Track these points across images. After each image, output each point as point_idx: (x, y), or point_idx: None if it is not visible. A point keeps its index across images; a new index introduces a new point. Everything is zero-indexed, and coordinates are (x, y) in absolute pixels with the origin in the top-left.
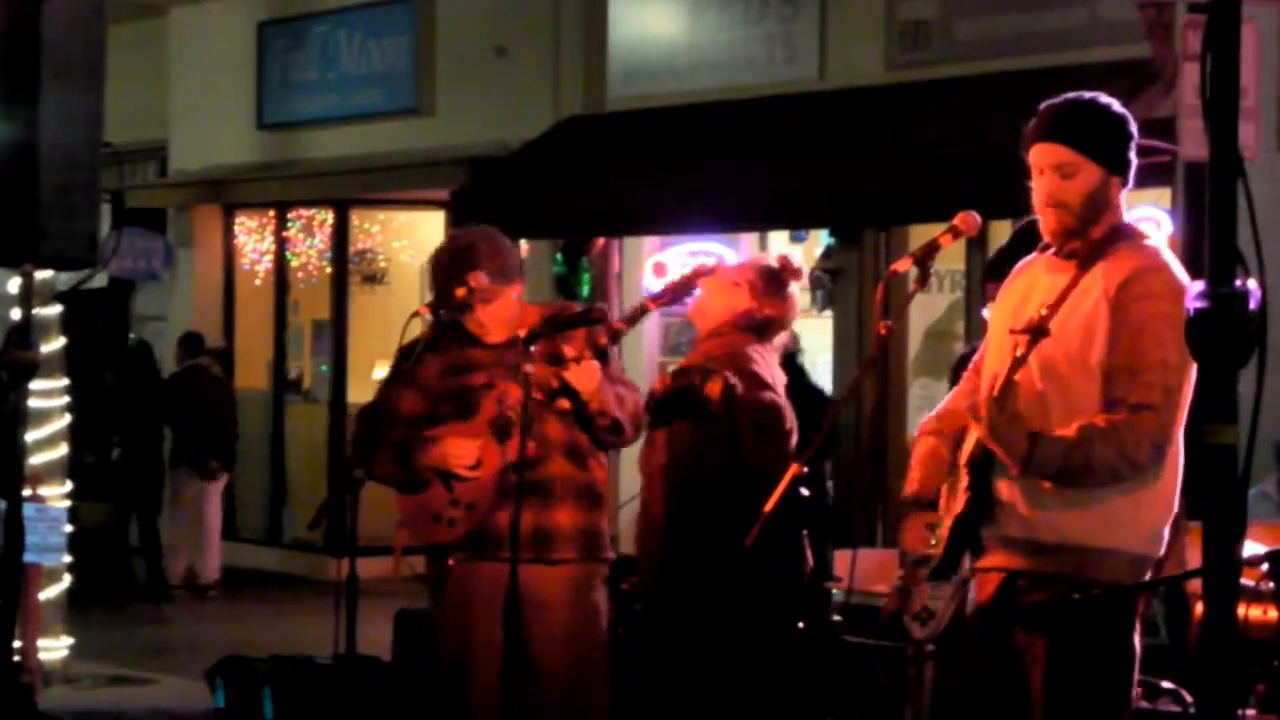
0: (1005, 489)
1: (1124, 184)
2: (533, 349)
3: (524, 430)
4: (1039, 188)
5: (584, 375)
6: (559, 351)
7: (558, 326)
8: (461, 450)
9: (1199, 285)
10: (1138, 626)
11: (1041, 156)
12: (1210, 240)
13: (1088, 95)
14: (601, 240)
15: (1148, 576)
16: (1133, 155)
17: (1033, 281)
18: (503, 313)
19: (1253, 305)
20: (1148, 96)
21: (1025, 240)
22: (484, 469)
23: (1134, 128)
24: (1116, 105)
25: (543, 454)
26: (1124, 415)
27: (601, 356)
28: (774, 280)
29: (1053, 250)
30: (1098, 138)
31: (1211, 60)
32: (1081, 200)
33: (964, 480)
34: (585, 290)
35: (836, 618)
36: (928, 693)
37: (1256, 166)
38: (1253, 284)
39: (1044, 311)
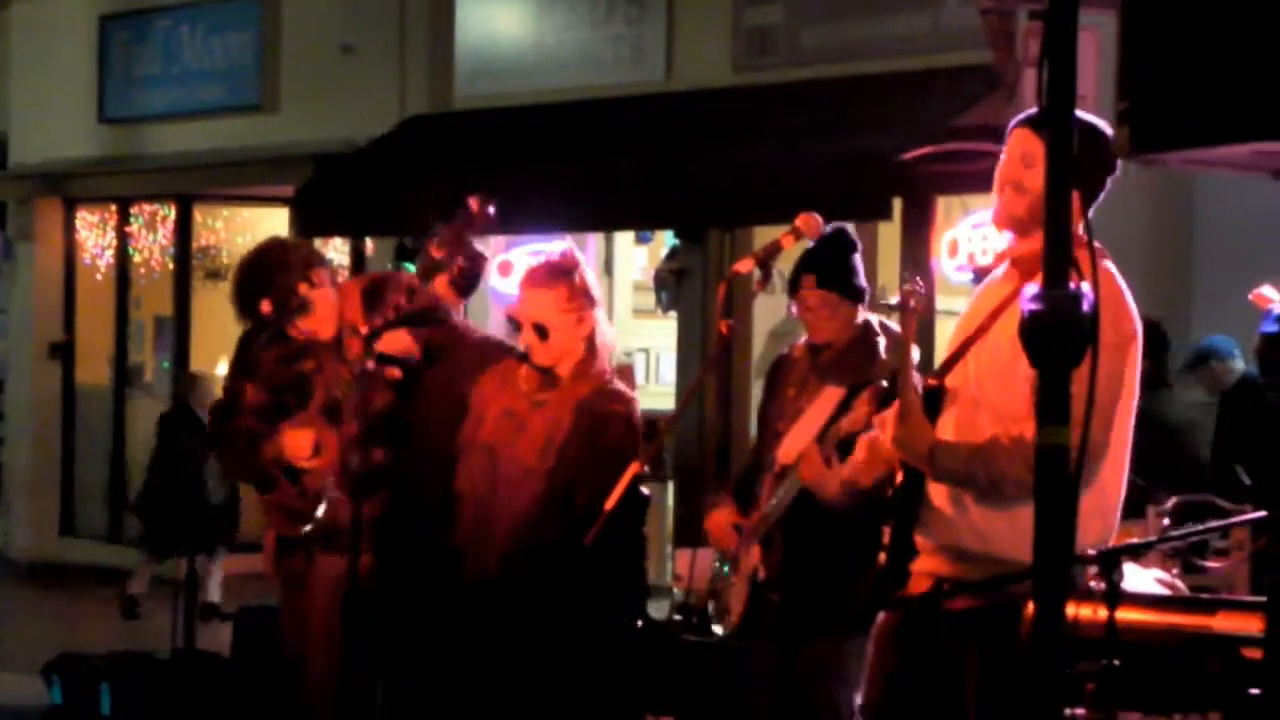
0: (937, 494)
1: (1087, 197)
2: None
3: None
4: (1002, 171)
5: (390, 341)
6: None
7: (397, 323)
8: (296, 442)
9: (1033, 288)
10: None
11: (1013, 142)
12: (1045, 244)
13: (1083, 113)
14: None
15: None
16: (1102, 176)
17: (987, 295)
18: (320, 310)
19: (1085, 308)
20: (990, 102)
21: (839, 240)
22: (325, 456)
23: (1113, 157)
24: (1103, 130)
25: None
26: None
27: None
28: (581, 279)
29: (1008, 263)
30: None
31: (1048, 67)
32: (1039, 194)
33: (899, 476)
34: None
35: (676, 617)
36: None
37: None
38: (1086, 287)
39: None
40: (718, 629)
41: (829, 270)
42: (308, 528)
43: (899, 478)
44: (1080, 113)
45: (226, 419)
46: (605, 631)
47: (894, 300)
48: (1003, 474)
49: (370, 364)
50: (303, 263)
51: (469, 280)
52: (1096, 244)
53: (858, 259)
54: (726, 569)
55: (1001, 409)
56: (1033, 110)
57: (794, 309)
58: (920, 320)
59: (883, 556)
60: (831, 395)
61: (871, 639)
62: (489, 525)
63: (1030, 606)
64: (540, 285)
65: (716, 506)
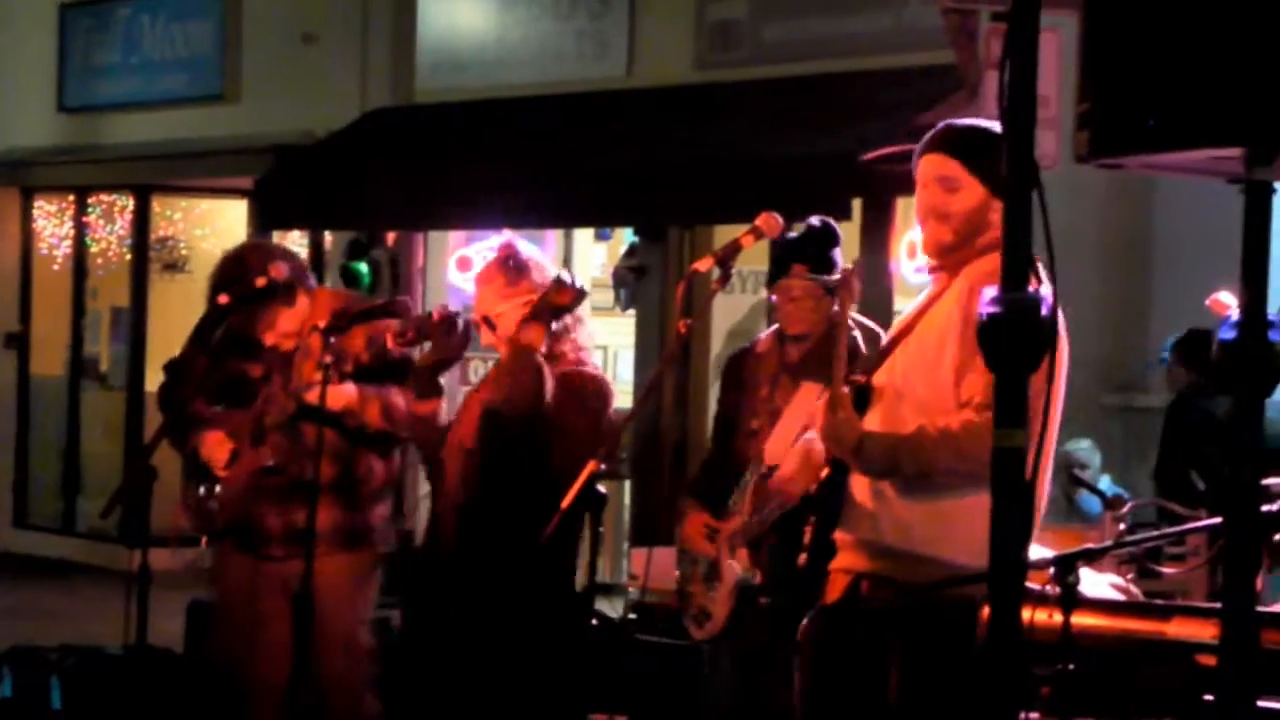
0: (859, 489)
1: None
2: (331, 343)
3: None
4: (920, 200)
5: (332, 397)
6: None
7: (355, 319)
8: (214, 450)
9: (992, 290)
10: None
11: (927, 169)
12: (1004, 247)
13: (983, 121)
14: (393, 234)
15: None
16: None
17: (922, 299)
18: (287, 325)
19: (1044, 311)
20: (952, 103)
21: (826, 231)
22: (240, 468)
23: None
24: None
25: (298, 455)
26: (967, 417)
27: (383, 366)
28: (516, 263)
29: (933, 267)
30: (984, 157)
31: (1009, 68)
32: (964, 215)
33: (824, 473)
34: (366, 286)
35: (631, 615)
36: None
37: (1057, 175)
38: (1045, 290)
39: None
40: (696, 633)
41: (818, 260)
42: (205, 526)
43: (824, 473)
44: (977, 120)
45: (177, 382)
46: (552, 627)
47: (835, 277)
48: (931, 464)
49: (328, 357)
50: (267, 257)
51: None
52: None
53: (839, 253)
54: (704, 571)
55: (926, 402)
56: (939, 130)
57: (773, 298)
58: (858, 305)
59: (803, 557)
60: (810, 392)
61: (798, 647)
62: (445, 521)
63: (985, 609)
64: (480, 281)
65: (689, 511)
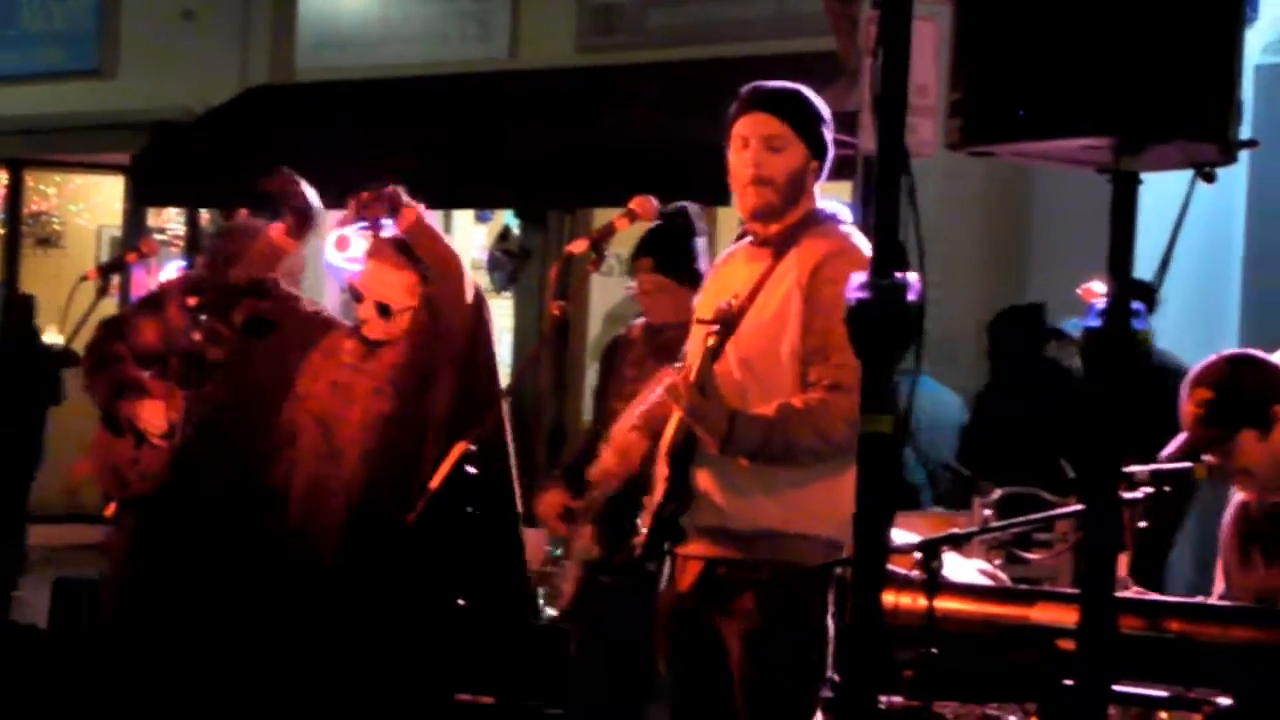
0: (702, 479)
1: (820, 173)
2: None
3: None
4: (742, 162)
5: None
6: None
7: (223, 297)
8: (153, 416)
9: (861, 276)
10: (830, 608)
11: (751, 127)
12: (874, 233)
13: (796, 85)
14: (245, 211)
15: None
16: (831, 148)
17: (733, 272)
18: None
19: (912, 297)
20: (834, 90)
21: (678, 223)
22: (172, 441)
23: (830, 121)
24: (814, 97)
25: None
26: (819, 396)
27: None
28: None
29: (749, 239)
30: (807, 119)
31: (882, 55)
32: (786, 177)
33: (664, 470)
34: None
35: None
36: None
37: (935, 163)
38: (913, 276)
39: (733, 300)
40: (550, 611)
41: (665, 255)
42: (124, 493)
43: (665, 470)
44: (789, 84)
45: (110, 339)
46: (416, 609)
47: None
48: (799, 441)
49: (196, 335)
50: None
51: (302, 223)
52: (835, 209)
53: (698, 242)
54: (558, 552)
55: (768, 388)
56: (756, 91)
57: (633, 290)
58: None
59: (642, 538)
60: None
61: (661, 635)
62: (323, 501)
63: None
64: (390, 264)
65: (547, 490)
